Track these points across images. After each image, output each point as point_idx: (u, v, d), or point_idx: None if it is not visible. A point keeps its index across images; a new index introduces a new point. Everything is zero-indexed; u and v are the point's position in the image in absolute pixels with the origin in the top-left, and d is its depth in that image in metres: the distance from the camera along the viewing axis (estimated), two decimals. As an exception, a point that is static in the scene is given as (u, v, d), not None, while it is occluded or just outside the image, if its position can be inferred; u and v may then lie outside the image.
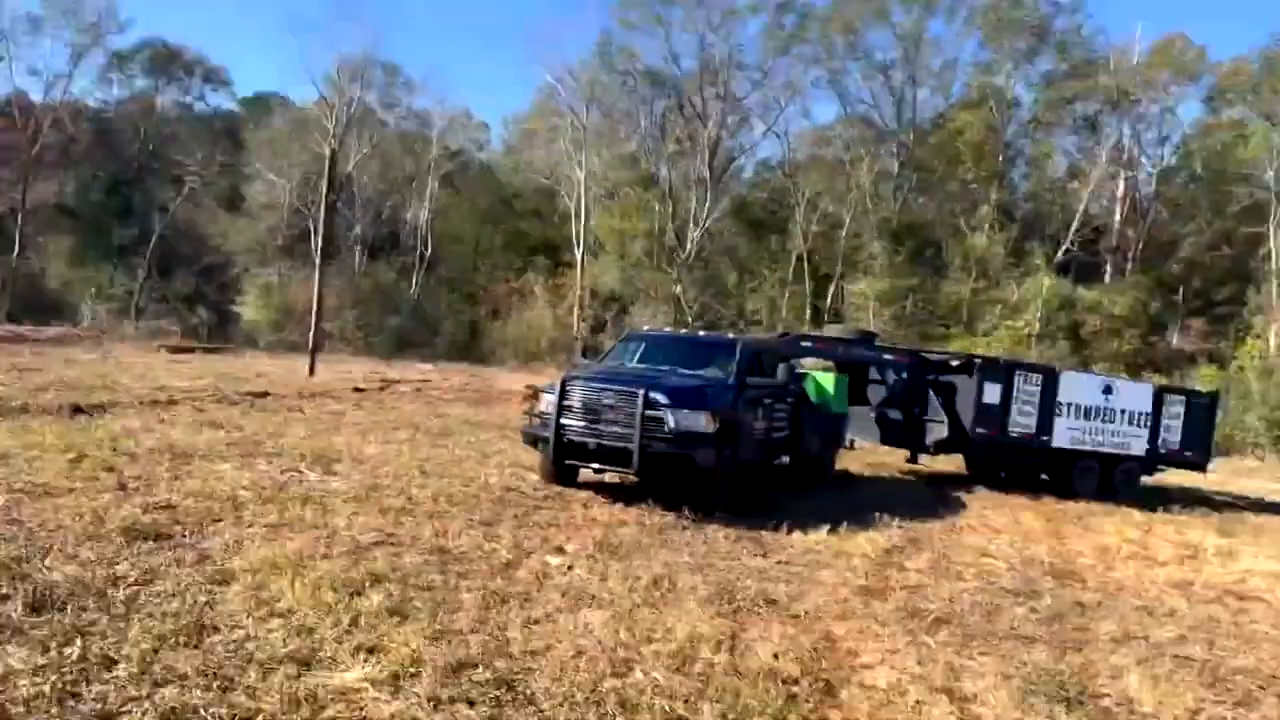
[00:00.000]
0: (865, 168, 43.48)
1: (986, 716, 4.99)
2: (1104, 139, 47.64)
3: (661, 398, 9.40)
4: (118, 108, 55.08)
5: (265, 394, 16.58)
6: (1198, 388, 24.58)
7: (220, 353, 30.47)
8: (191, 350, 28.23)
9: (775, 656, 5.44)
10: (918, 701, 5.06)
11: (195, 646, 4.54)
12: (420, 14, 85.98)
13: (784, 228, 43.98)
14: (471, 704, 4.30)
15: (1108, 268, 46.47)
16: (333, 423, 13.77)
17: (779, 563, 8.03)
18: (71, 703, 3.83)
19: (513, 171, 52.64)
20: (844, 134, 47.15)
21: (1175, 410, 16.47)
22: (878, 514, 10.60)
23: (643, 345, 12.04)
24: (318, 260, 25.65)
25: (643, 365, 11.25)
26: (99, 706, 3.82)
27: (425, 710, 4.17)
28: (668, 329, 18.81)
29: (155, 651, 4.40)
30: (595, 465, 9.90)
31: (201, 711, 3.87)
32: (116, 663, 4.23)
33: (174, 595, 5.23)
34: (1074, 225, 44.28)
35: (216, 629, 4.79)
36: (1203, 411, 17.06)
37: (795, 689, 5.00)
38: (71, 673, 4.06)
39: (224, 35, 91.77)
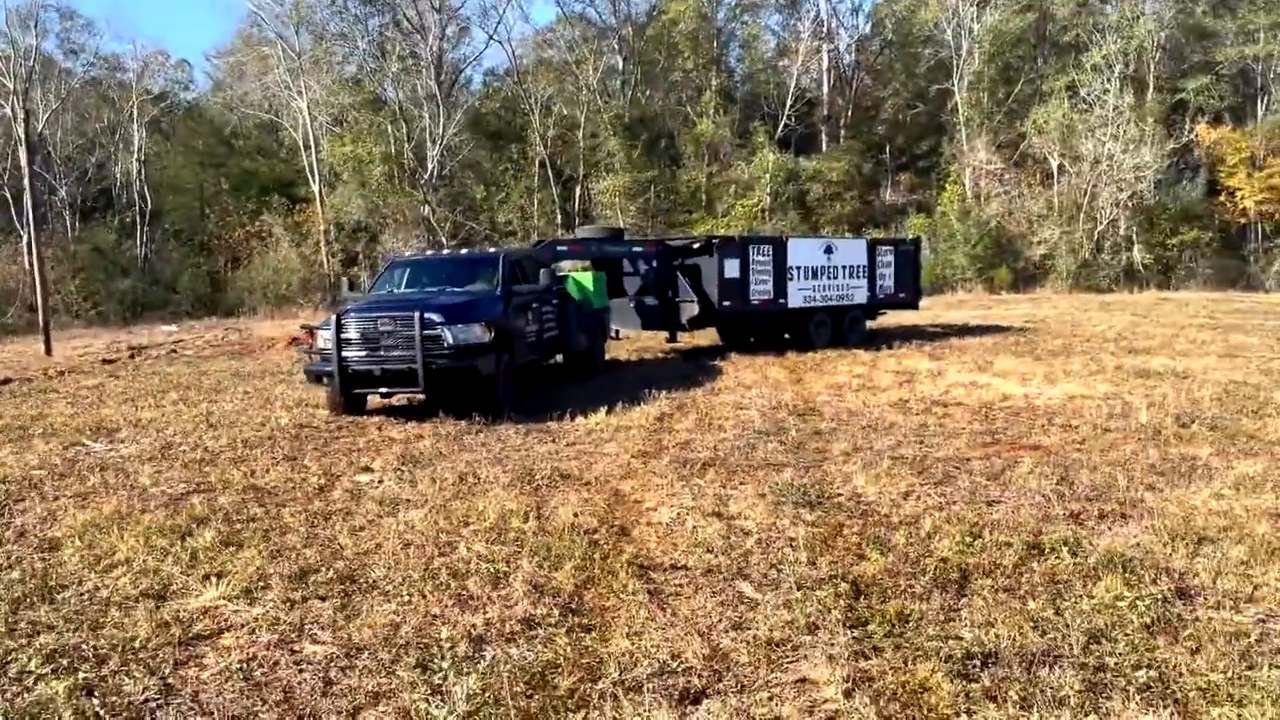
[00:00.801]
0: (590, 66, 44.20)
1: (749, 526, 6.17)
2: (804, 15, 50.86)
3: (436, 316, 10.01)
4: None
5: (7, 380, 15.60)
6: (904, 236, 27.59)
7: (-71, 348, 27.49)
8: (-106, 350, 25.33)
9: (575, 516, 6.38)
10: (694, 527, 6.16)
11: (51, 603, 4.91)
12: (84, -57, 77.09)
13: (522, 136, 44.17)
14: (323, 599, 4.95)
15: (824, 137, 50.11)
16: (94, 397, 13.32)
17: (567, 445, 9.01)
18: (-49, 668, 4.18)
19: (226, 109, 49.31)
20: (565, 35, 47.53)
21: (887, 259, 18.76)
22: (647, 390, 11.83)
23: (408, 270, 12.50)
24: (31, 231, 23.62)
25: (412, 290, 11.76)
26: (-17, 663, 4.20)
27: (284, 610, 4.79)
28: (430, 251, 19.09)
29: (14, 612, 4.75)
30: (383, 390, 10.43)
31: (82, 648, 4.33)
32: (-19, 628, 4.57)
33: (9, 567, 5.49)
34: (788, 101, 47.28)
35: (65, 586, 5.15)
36: (909, 257, 19.50)
37: (596, 536, 5.96)
38: (-57, 643, 4.39)
39: None
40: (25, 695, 3.89)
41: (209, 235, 43.82)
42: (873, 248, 18.75)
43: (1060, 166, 41.08)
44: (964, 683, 3.83)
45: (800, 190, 44.41)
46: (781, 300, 16.99)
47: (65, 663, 4.18)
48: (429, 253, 16.73)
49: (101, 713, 3.73)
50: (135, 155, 44.42)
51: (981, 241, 39.12)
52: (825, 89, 50.76)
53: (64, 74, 45.22)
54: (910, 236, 24.41)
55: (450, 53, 46.46)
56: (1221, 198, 40.84)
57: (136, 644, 4.38)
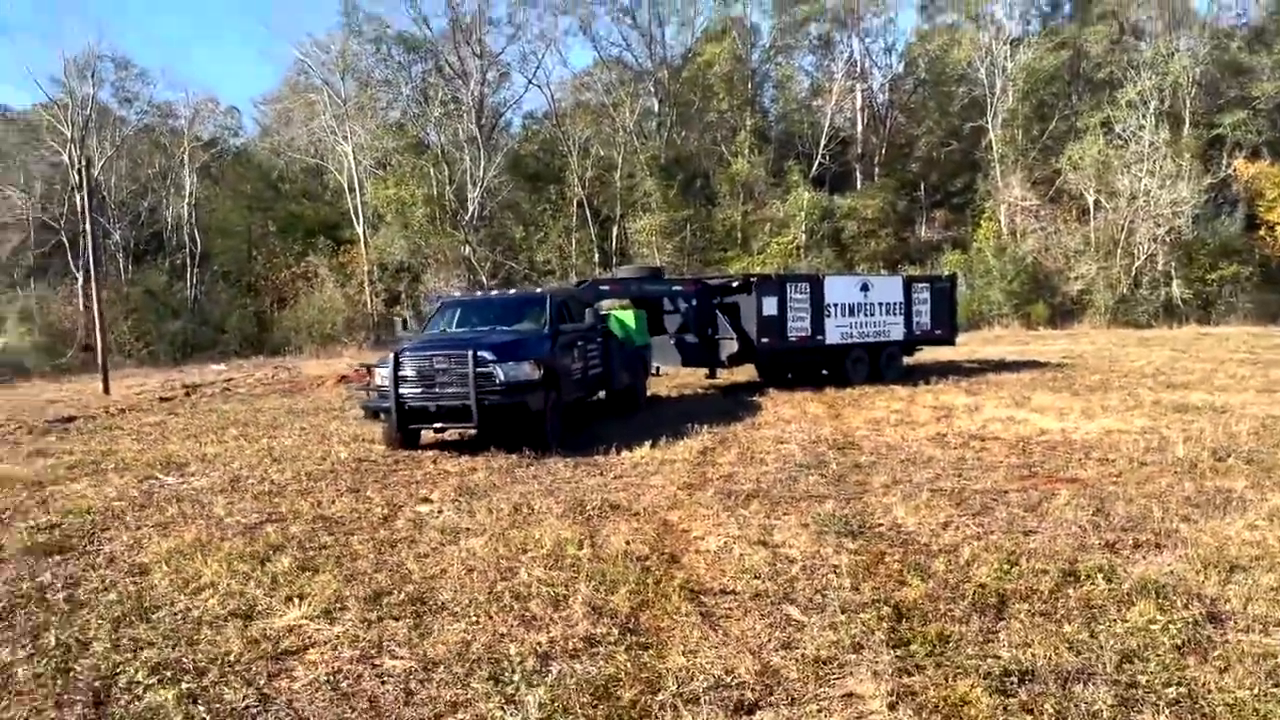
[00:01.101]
0: (627, 109, 45.07)
1: (793, 554, 6.45)
2: (838, 55, 51.52)
3: (489, 354, 10.44)
4: None
5: (72, 418, 16.26)
6: (939, 273, 27.77)
7: (-9, 387, 28.49)
8: (-42, 389, 26.30)
9: (627, 544, 6.71)
10: (741, 555, 6.45)
11: (148, 621, 5.32)
12: (139, 2, 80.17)
13: (560, 177, 44.97)
14: (397, 619, 5.31)
15: (858, 175, 50.53)
16: (158, 433, 13.89)
17: (615, 477, 9.34)
18: (65, 678, 4.57)
19: (274, 154, 50.73)
20: (602, 78, 48.49)
21: (923, 296, 18.99)
22: (689, 425, 12.16)
23: (459, 310, 12.99)
24: (92, 276, 24.49)
25: (463, 329, 12.23)
26: (95, 674, 4.60)
27: (361, 629, 5.16)
28: (479, 292, 19.67)
29: (116, 630, 5.16)
30: (437, 425, 10.86)
31: (183, 662, 4.72)
32: (89, 644, 4.98)
33: (105, 590, 5.92)
34: (823, 140, 47.81)
35: (158, 607, 5.56)
36: (945, 294, 19.69)
37: (647, 563, 6.28)
38: (57, 654, 4.81)
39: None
40: (137, 702, 4.28)
41: (256, 276, 44.97)
42: (909, 285, 19.00)
43: (1096, 202, 41.09)
44: (1002, 697, 4.10)
45: (835, 228, 44.76)
46: (819, 337, 17.29)
47: (169, 674, 4.57)
48: (478, 294, 17.25)
49: (208, 717, 4.10)
50: (186, 199, 45.83)
51: (1018, 277, 39.13)
52: (859, 127, 51.27)
53: (119, 122, 46.88)
54: (946, 273, 24.58)
55: (491, 97, 47.67)
56: (1261, 232, 40.56)
57: (231, 658, 4.76)
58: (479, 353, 10.40)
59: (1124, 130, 40.98)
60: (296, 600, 5.57)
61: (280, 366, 28.67)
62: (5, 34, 78.65)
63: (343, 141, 43.48)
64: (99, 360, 23.52)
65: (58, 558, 6.71)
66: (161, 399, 19.70)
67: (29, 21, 78.53)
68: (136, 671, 4.60)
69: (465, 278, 40.27)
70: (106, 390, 22.05)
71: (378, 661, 4.71)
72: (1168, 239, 39.27)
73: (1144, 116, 40.20)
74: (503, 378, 10.43)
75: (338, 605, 5.51)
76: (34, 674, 4.60)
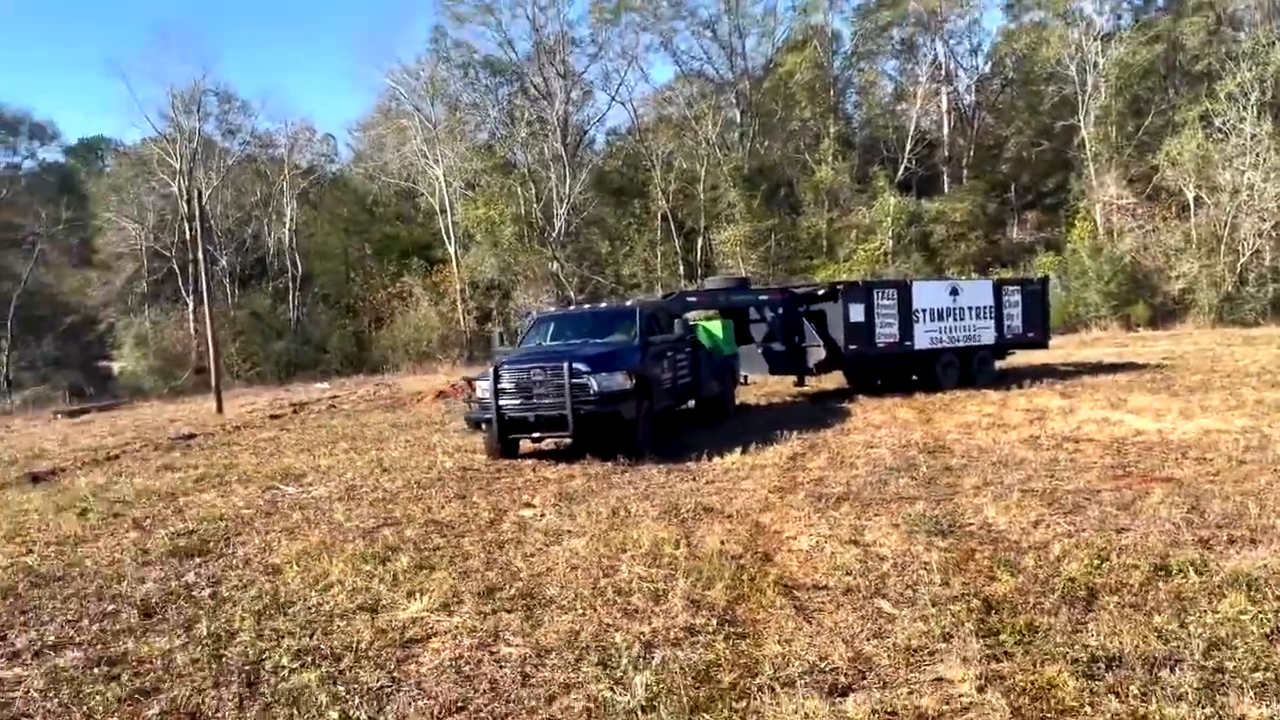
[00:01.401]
0: (709, 121, 45.42)
1: (884, 552, 6.65)
2: (921, 58, 51.06)
3: (583, 366, 10.89)
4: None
5: (192, 435, 17.28)
6: (1030, 275, 27.30)
7: (115, 409, 30.22)
8: (87, 410, 28.02)
9: (721, 543, 7.00)
10: (832, 553, 6.67)
11: (285, 614, 5.82)
12: (240, 38, 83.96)
13: (644, 191, 45.54)
14: (510, 611, 5.71)
15: (945, 178, 49.88)
16: (273, 447, 14.70)
17: (707, 482, 9.64)
18: (219, 663, 5.08)
19: (368, 179, 52.61)
20: (684, 91, 48.97)
21: (1014, 299, 18.80)
22: (778, 432, 12.38)
23: (552, 324, 13.52)
24: (205, 299, 25.86)
25: (557, 342, 12.71)
26: (245, 659, 5.10)
27: (478, 620, 5.56)
28: (573, 307, 20.24)
29: (259, 622, 5.68)
30: (535, 435, 11.33)
31: (320, 649, 5.19)
32: (235, 634, 5.50)
33: (244, 587, 6.47)
34: (908, 144, 47.39)
35: (293, 602, 6.07)
36: (1037, 296, 19.45)
37: (742, 561, 6.56)
38: (209, 643, 5.34)
39: (34, 86, 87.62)
40: (284, 683, 4.74)
41: (354, 297, 46.68)
42: (999, 288, 18.83)
43: (1197, 198, 39.72)
44: (1088, 681, 4.26)
45: (923, 232, 44.25)
46: (908, 343, 17.28)
47: (309, 659, 5.04)
48: (571, 308, 17.78)
49: (348, 695, 4.54)
50: (287, 225, 47.88)
51: (1115, 278, 38.06)
52: (945, 130, 50.66)
53: (223, 153, 49.31)
54: (1038, 275, 24.22)
55: (575, 115, 48.69)
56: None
57: (363, 645, 5.21)
58: (574, 364, 10.84)
59: (1224, 124, 39.53)
60: (417, 595, 6.01)
61: (380, 384, 29.75)
62: (117, 73, 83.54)
63: (433, 165, 44.88)
64: (212, 381, 24.82)
65: (198, 559, 7.33)
66: (272, 416, 20.72)
67: (139, 60, 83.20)
68: (280, 657, 5.08)
69: (553, 293, 41.10)
70: (220, 409, 23.26)
71: (495, 649, 5.10)
72: (1274, 234, 37.74)
73: (1244, 109, 38.74)
74: (597, 388, 10.84)
75: (454, 599, 5.94)
76: (191, 659, 5.12)
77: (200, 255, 26.07)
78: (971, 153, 50.34)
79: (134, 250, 47.01)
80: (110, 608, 6.18)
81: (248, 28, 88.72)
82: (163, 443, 16.29)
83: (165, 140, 45.70)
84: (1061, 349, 25.33)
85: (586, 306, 16.22)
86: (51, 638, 5.66)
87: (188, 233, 44.12)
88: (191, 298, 43.57)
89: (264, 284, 48.05)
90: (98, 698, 4.68)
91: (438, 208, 45.41)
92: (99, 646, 5.45)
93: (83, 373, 43.92)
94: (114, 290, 47.32)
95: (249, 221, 49.53)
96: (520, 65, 47.79)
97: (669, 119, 49.83)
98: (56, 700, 4.71)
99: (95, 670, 5.06)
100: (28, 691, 4.85)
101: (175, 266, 45.95)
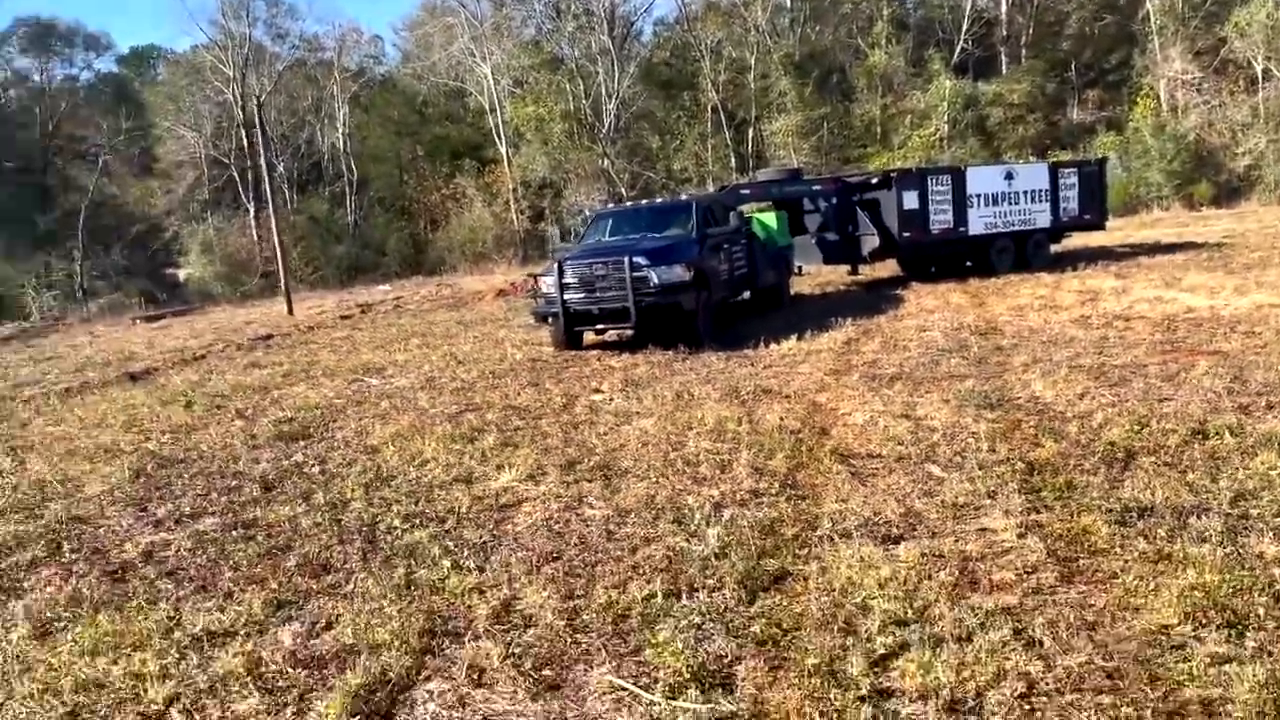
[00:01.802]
0: (759, 7, 44.28)
1: (935, 425, 7.09)
2: (979, -69, 48.72)
3: (643, 259, 11.32)
4: (3, 95, 53.69)
5: (270, 335, 18.15)
6: (1088, 157, 26.79)
7: (188, 313, 31.44)
8: (163, 315, 29.21)
9: (781, 420, 7.50)
10: (885, 426, 7.14)
11: (390, 486, 6.50)
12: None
13: (693, 83, 44.85)
14: (590, 481, 6.30)
15: (1003, 59, 48.21)
16: (349, 345, 15.47)
17: (764, 367, 10.12)
18: (339, 526, 5.75)
19: (416, 80, 52.45)
20: (732, -24, 47.58)
21: (1070, 181, 18.67)
22: (833, 319, 12.77)
23: (610, 220, 13.92)
24: (269, 204, 26.57)
25: (616, 238, 13.12)
26: (361, 522, 5.77)
27: (562, 488, 6.16)
28: (629, 203, 20.55)
29: (368, 492, 6.36)
30: (599, 327, 11.88)
31: (426, 513, 5.84)
32: (349, 503, 6.18)
33: (349, 464, 7.17)
34: (964, 24, 45.83)
35: (394, 476, 6.74)
36: (1094, 178, 19.28)
37: (800, 435, 7.06)
38: (327, 510, 6.03)
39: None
40: (399, 541, 5.40)
41: (409, 200, 47.18)
42: (1055, 170, 18.69)
43: (1266, 71, 38.09)
44: (1121, 528, 4.72)
45: (980, 116, 43.13)
46: (962, 229, 17.35)
47: (418, 521, 5.70)
48: (628, 205, 18.08)
49: (456, 549, 5.18)
50: (340, 129, 48.20)
51: (1178, 156, 36.99)
52: (1004, 7, 48.73)
53: (273, 58, 49.45)
54: (1097, 156, 23.82)
55: (621, 6, 47.65)
56: None
57: (462, 510, 5.85)
58: (634, 258, 11.28)
59: (1298, -11, 37.66)
60: (505, 468, 6.63)
61: (441, 284, 30.45)
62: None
63: (481, 63, 44.61)
64: (282, 284, 25.75)
65: (302, 442, 8.06)
66: (342, 316, 21.55)
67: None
68: (392, 520, 5.75)
69: (605, 190, 41.12)
70: (290, 311, 24.19)
71: (580, 511, 5.70)
72: (1349, 105, 36.28)
73: (1323, -29, 36.81)
74: (657, 280, 11.28)
75: (539, 472, 6.54)
76: (314, 523, 5.81)
77: (260, 162, 26.62)
78: (1030, 30, 48.50)
79: (194, 158, 47.88)
80: (233, 483, 6.93)
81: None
82: (243, 343, 17.17)
83: (216, 47, 45.96)
84: (1120, 230, 25.04)
85: (644, 202, 16.51)
86: (187, 508, 6.41)
87: (245, 140, 44.76)
88: (252, 204, 44.47)
89: (320, 189, 48.71)
90: (240, 554, 5.39)
91: (487, 107, 45.32)
92: (230, 515, 6.18)
93: (151, 280, 45.32)
94: (176, 198, 48.39)
95: (302, 127, 49.95)
96: (565, -44, 46.81)
97: (717, 6, 48.58)
98: (205, 557, 5.44)
99: (233, 533, 5.78)
100: (178, 550, 5.59)
101: (234, 173, 46.74)
